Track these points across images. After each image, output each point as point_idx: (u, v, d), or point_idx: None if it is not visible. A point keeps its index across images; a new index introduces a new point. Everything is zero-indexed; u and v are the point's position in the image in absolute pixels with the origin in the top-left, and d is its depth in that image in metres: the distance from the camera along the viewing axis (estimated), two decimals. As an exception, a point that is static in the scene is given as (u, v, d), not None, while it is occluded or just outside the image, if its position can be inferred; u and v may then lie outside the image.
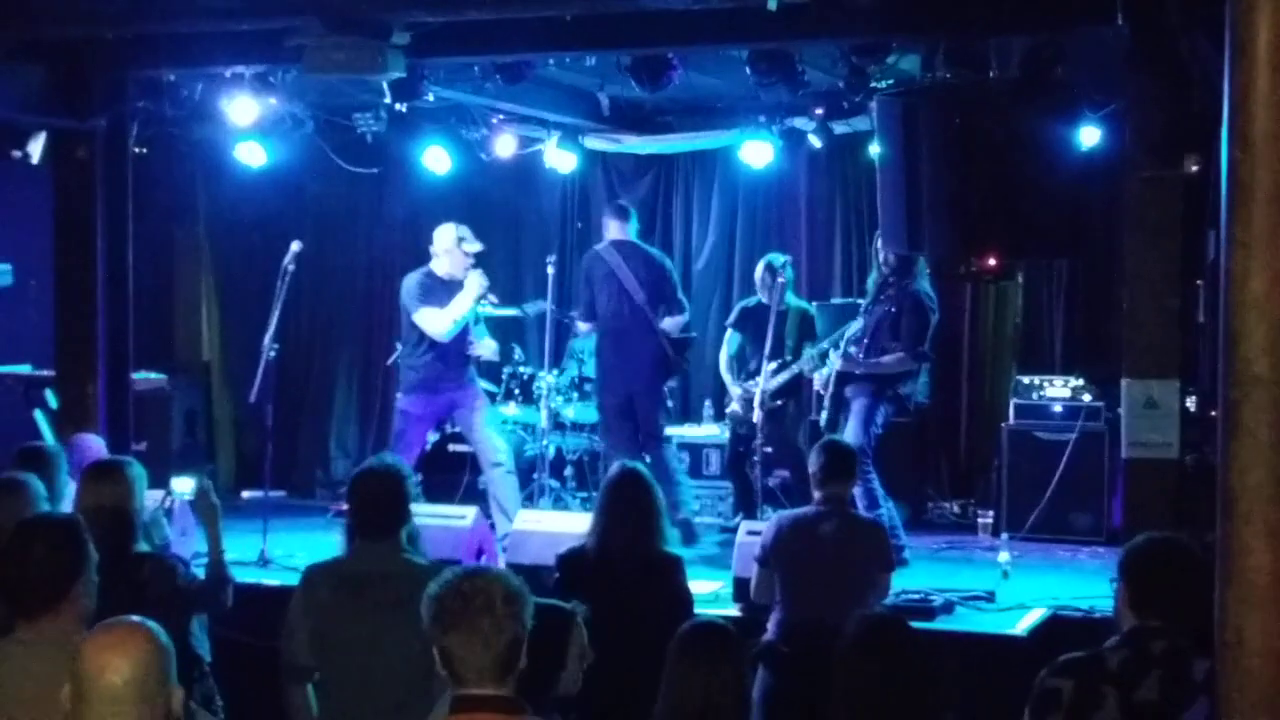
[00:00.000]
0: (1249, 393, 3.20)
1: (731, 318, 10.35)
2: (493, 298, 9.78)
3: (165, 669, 3.24)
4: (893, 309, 8.94)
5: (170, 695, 3.24)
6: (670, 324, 9.91)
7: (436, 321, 9.41)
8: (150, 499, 6.41)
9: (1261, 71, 3.18)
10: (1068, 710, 4.15)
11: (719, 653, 4.07)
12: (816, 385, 9.44)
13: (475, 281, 9.47)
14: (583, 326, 10.18)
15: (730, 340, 10.22)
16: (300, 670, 5.12)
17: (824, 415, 9.32)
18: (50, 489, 6.25)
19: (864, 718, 3.96)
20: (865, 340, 9.02)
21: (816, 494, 6.61)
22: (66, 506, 5.93)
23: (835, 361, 9.15)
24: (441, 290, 9.50)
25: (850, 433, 8.88)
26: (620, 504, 6.13)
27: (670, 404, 10.69)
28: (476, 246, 9.64)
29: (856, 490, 8.70)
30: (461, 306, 9.43)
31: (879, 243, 9.00)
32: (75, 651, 3.24)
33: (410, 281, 9.59)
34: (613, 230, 10.05)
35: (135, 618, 3.34)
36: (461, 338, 9.55)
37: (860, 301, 9.55)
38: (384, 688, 4.90)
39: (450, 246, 9.56)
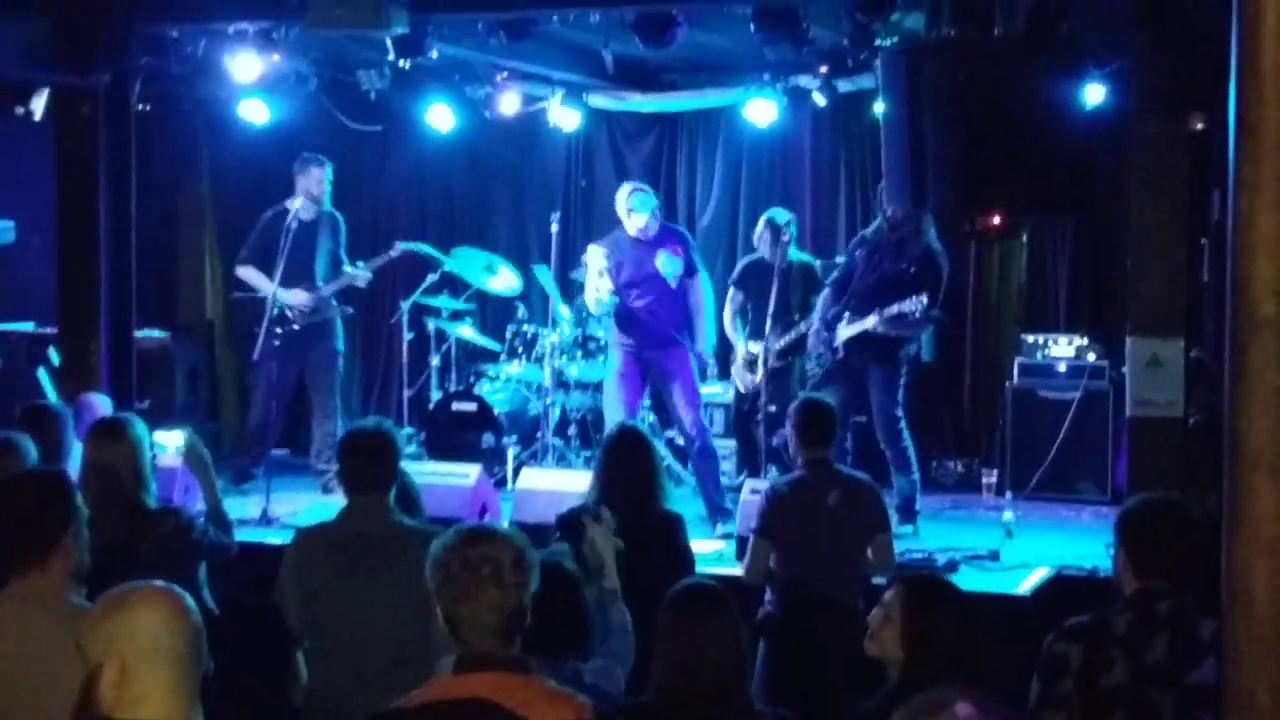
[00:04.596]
0: (1256, 335, 3.14)
1: (734, 275, 10.23)
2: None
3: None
4: (910, 267, 8.79)
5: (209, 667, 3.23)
6: None
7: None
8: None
9: (1270, 6, 3.12)
10: (1077, 675, 4.14)
11: (709, 610, 4.06)
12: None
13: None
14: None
15: (733, 298, 10.11)
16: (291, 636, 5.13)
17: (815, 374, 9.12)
18: (55, 448, 6.26)
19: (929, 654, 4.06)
20: (875, 294, 8.77)
21: (799, 458, 6.51)
22: (73, 465, 5.92)
23: (867, 323, 8.76)
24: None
25: (881, 407, 8.85)
26: (618, 463, 6.13)
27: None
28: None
29: (889, 454, 8.71)
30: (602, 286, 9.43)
31: (884, 196, 8.90)
32: (116, 619, 3.12)
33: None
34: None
35: (159, 582, 3.27)
36: (668, 296, 9.38)
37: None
38: (378, 649, 4.89)
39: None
